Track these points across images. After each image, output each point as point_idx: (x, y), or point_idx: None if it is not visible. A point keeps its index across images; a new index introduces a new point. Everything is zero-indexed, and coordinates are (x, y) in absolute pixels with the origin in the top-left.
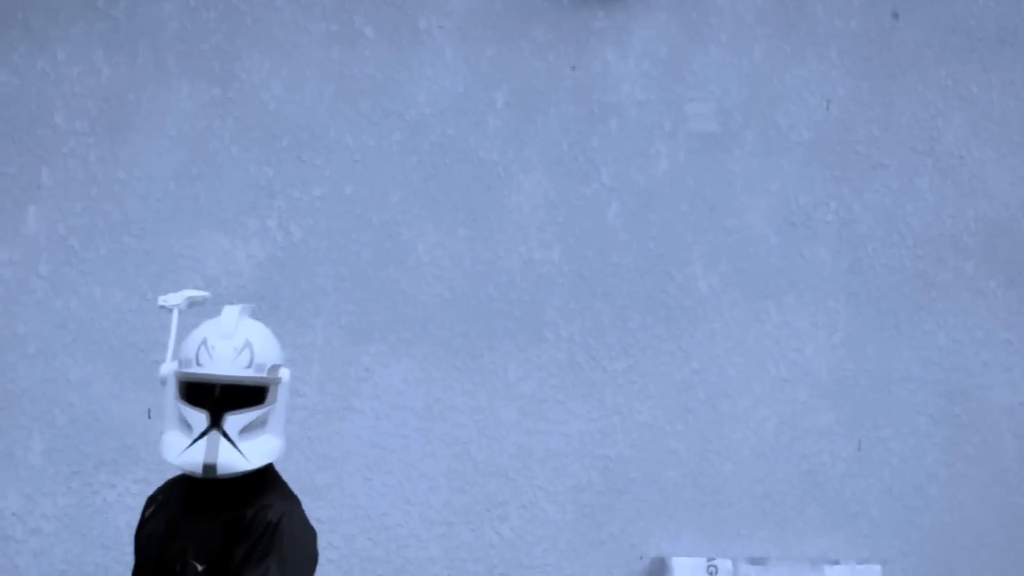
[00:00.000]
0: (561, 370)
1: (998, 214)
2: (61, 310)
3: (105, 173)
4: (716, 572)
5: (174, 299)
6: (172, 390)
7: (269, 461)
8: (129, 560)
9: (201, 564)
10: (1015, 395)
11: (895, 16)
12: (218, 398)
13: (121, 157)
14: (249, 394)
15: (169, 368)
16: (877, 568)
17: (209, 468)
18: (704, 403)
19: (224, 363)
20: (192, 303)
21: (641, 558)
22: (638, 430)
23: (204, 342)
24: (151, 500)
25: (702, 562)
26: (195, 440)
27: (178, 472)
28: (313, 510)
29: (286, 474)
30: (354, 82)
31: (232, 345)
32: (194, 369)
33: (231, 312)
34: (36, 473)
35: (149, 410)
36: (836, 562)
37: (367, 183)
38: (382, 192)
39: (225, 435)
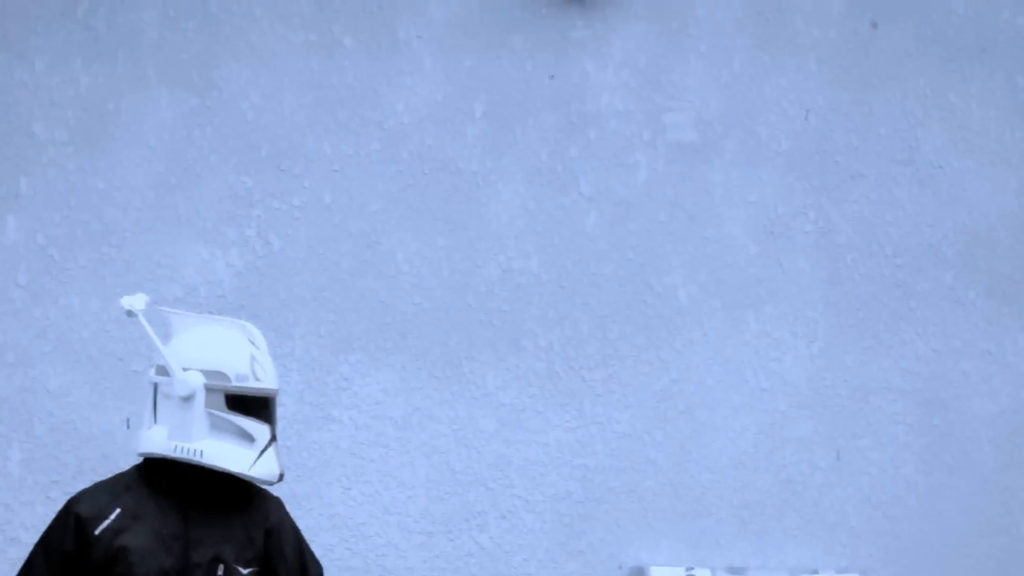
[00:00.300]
0: (540, 380)
1: (977, 224)
2: (40, 319)
3: (84, 183)
4: None
5: (139, 303)
6: (203, 401)
7: None
8: None
9: (247, 568)
10: (994, 405)
11: (874, 26)
12: (270, 410)
13: (100, 167)
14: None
15: (199, 380)
16: None
17: (281, 476)
18: (683, 413)
19: (274, 377)
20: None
21: (620, 568)
22: (617, 440)
23: (254, 358)
24: (102, 508)
25: (681, 572)
26: (263, 451)
27: (110, 477)
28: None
29: None
30: (333, 91)
31: (270, 359)
32: (253, 384)
33: (253, 327)
34: (14, 483)
35: (128, 419)
36: (815, 572)
37: (346, 192)
38: (361, 201)
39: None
